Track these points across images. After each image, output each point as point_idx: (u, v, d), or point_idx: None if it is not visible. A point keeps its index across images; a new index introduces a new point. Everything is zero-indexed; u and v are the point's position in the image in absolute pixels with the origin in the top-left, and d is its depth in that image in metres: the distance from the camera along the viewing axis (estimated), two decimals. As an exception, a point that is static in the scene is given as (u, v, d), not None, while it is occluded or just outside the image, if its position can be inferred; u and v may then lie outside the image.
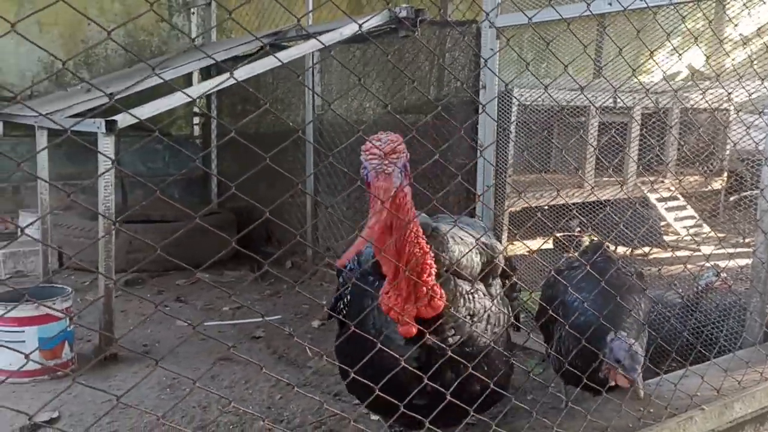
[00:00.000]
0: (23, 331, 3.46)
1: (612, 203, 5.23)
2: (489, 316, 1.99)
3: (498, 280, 2.18)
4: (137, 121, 4.02)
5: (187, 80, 6.82)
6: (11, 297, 3.57)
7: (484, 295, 2.03)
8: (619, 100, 5.30)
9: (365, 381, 1.73)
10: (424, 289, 1.79)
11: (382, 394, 1.73)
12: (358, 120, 5.17)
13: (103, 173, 3.60)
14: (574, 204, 5.23)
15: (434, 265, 1.82)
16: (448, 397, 1.82)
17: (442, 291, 1.83)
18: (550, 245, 6.09)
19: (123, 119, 3.63)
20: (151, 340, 4.26)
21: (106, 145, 3.63)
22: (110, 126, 3.56)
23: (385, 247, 1.77)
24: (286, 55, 4.27)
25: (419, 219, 2.02)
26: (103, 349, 3.79)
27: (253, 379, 3.65)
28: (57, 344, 3.56)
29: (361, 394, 2.05)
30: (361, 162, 1.74)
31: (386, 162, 1.69)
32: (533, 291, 4.27)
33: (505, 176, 4.45)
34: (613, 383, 2.29)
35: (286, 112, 5.99)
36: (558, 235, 6.26)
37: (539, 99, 4.50)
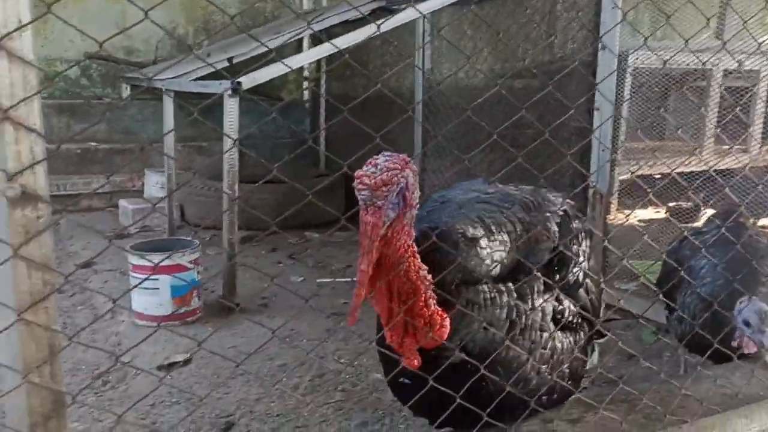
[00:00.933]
0: (158, 279, 3.75)
1: (734, 172, 4.97)
2: (513, 323, 1.76)
3: (540, 279, 1.85)
4: (255, 84, 4.21)
5: (297, 45, 6.98)
6: (147, 247, 3.86)
7: (511, 296, 1.77)
8: (745, 62, 4.99)
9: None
10: (422, 321, 1.62)
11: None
12: (468, 84, 5.14)
13: (234, 141, 3.77)
14: (689, 173, 5.01)
15: (432, 295, 1.62)
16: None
17: (444, 318, 1.64)
18: (662, 215, 5.89)
19: (247, 81, 3.78)
20: (269, 293, 4.48)
21: (232, 106, 3.81)
22: (236, 87, 3.73)
23: (377, 287, 1.60)
24: (400, 18, 4.29)
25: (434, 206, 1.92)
26: (227, 299, 4.04)
27: (366, 333, 3.78)
28: (187, 292, 3.83)
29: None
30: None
31: (377, 194, 1.51)
32: (654, 262, 4.15)
33: (617, 142, 4.31)
34: (746, 351, 2.23)
35: (394, 76, 6.04)
36: (671, 204, 6.04)
37: (657, 62, 4.31)
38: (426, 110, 5.47)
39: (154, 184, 6.27)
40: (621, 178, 4.49)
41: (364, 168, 1.54)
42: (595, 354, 2.35)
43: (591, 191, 4.17)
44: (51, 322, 1.22)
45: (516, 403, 1.80)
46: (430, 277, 1.62)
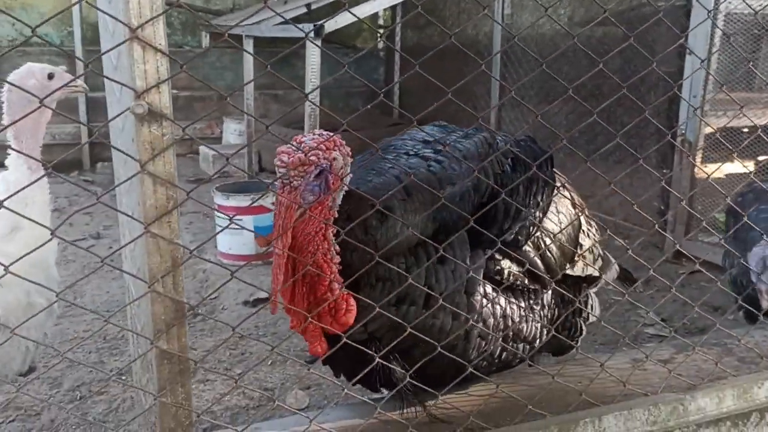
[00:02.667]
0: (241, 220, 3.87)
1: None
2: (432, 289, 1.60)
3: (461, 235, 1.64)
4: (336, 29, 4.22)
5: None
6: (232, 189, 3.98)
7: (431, 260, 1.60)
8: None
9: None
10: (326, 306, 1.50)
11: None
12: (550, 29, 4.99)
13: (314, 88, 3.81)
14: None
15: (337, 278, 1.49)
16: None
17: (350, 304, 1.51)
18: (750, 169, 5.64)
19: (329, 24, 3.79)
20: (345, 237, 4.57)
21: (314, 49, 3.83)
22: (318, 31, 3.75)
23: (277, 265, 1.47)
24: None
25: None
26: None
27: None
28: (269, 233, 3.93)
29: None
30: None
31: (293, 173, 1.42)
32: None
33: (705, 91, 4.12)
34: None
35: (471, 23, 5.92)
36: (761, 158, 5.76)
37: (749, 7, 4.06)
38: (504, 58, 5.35)
39: (232, 132, 6.42)
40: (707, 130, 4.32)
41: (286, 146, 1.45)
42: (596, 304, 2.17)
43: (679, 140, 4.02)
44: (174, 236, 1.29)
45: (446, 370, 1.64)
46: (338, 260, 1.50)
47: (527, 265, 1.76)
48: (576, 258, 1.90)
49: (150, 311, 1.31)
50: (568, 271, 1.88)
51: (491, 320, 1.71)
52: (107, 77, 1.29)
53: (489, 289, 1.70)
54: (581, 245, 1.96)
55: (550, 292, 1.86)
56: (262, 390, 2.69)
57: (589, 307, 2.08)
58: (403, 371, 1.61)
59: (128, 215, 1.31)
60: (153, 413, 1.37)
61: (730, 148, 3.21)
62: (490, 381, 1.67)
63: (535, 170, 1.75)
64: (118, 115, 1.27)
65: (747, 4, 2.56)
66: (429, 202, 1.58)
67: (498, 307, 1.72)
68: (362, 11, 4.04)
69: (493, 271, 1.70)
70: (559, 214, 1.88)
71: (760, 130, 2.32)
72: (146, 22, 1.19)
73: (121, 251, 1.44)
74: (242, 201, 3.87)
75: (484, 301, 1.69)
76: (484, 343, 1.70)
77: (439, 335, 1.61)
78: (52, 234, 1.21)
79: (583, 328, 2.01)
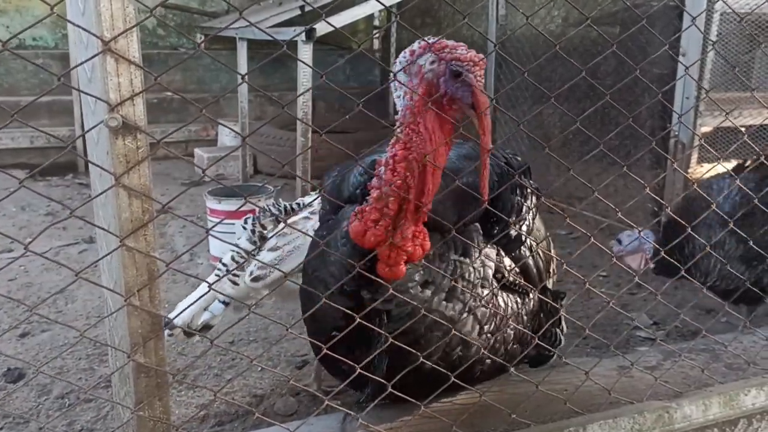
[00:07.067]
0: (233, 224, 3.84)
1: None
2: (456, 280, 1.60)
3: (476, 227, 1.68)
4: (328, 32, 4.20)
5: (367, -7, 6.90)
6: (224, 193, 3.97)
7: (457, 251, 1.62)
8: None
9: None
10: (417, 229, 1.49)
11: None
12: (545, 29, 4.98)
13: (305, 91, 3.79)
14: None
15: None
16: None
17: (427, 235, 1.51)
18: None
19: (321, 27, 3.78)
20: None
21: (306, 52, 3.82)
22: (310, 34, 3.73)
23: (398, 174, 1.48)
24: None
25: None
26: (299, 244, 4.13)
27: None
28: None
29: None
30: (436, 72, 1.45)
31: (480, 74, 1.44)
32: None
33: (699, 92, 4.11)
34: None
35: (465, 24, 5.90)
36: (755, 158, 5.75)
37: (746, 6, 4.05)
38: (499, 58, 5.34)
39: (227, 134, 6.40)
40: (703, 130, 4.31)
41: (461, 52, 1.45)
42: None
43: (672, 141, 4.02)
44: (150, 249, 1.28)
45: (451, 366, 1.62)
46: None
47: (523, 265, 1.78)
48: (552, 269, 1.92)
49: (126, 325, 1.30)
50: (546, 282, 1.89)
51: (498, 317, 1.72)
52: (81, 90, 1.28)
53: (495, 285, 1.72)
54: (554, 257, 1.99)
55: (536, 298, 1.87)
56: (251, 396, 2.68)
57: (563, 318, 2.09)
58: (384, 381, 1.59)
59: (104, 228, 1.30)
60: (131, 427, 1.36)
61: (716, 153, 3.21)
62: (474, 390, 1.66)
63: (523, 178, 1.81)
64: (93, 128, 1.26)
65: (733, 10, 2.53)
66: (450, 191, 1.56)
67: (503, 304, 1.74)
68: (354, 14, 4.02)
69: (498, 269, 1.72)
70: (542, 222, 1.92)
71: (746, 135, 2.32)
72: (119, 35, 1.18)
73: (99, 263, 1.43)
74: (234, 205, 3.85)
75: (493, 297, 1.70)
76: (492, 340, 1.70)
77: (454, 327, 1.59)
78: (25, 247, 1.20)
79: (562, 338, 2.01)
